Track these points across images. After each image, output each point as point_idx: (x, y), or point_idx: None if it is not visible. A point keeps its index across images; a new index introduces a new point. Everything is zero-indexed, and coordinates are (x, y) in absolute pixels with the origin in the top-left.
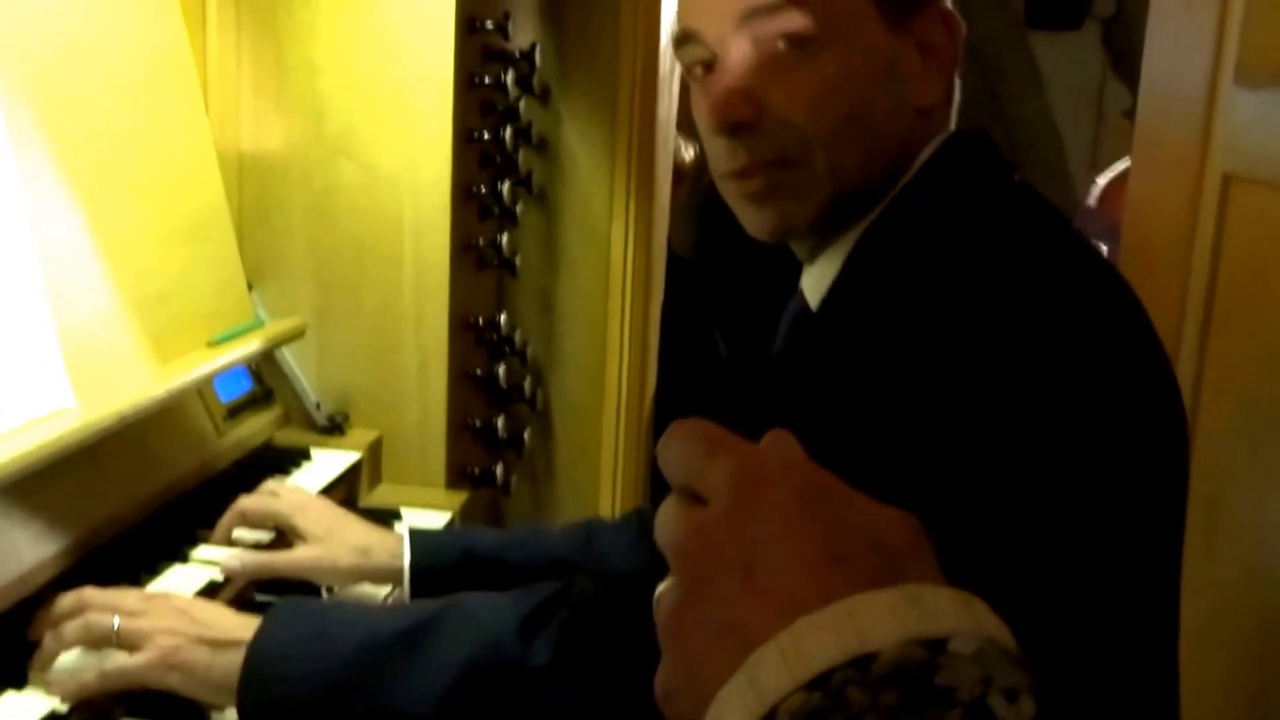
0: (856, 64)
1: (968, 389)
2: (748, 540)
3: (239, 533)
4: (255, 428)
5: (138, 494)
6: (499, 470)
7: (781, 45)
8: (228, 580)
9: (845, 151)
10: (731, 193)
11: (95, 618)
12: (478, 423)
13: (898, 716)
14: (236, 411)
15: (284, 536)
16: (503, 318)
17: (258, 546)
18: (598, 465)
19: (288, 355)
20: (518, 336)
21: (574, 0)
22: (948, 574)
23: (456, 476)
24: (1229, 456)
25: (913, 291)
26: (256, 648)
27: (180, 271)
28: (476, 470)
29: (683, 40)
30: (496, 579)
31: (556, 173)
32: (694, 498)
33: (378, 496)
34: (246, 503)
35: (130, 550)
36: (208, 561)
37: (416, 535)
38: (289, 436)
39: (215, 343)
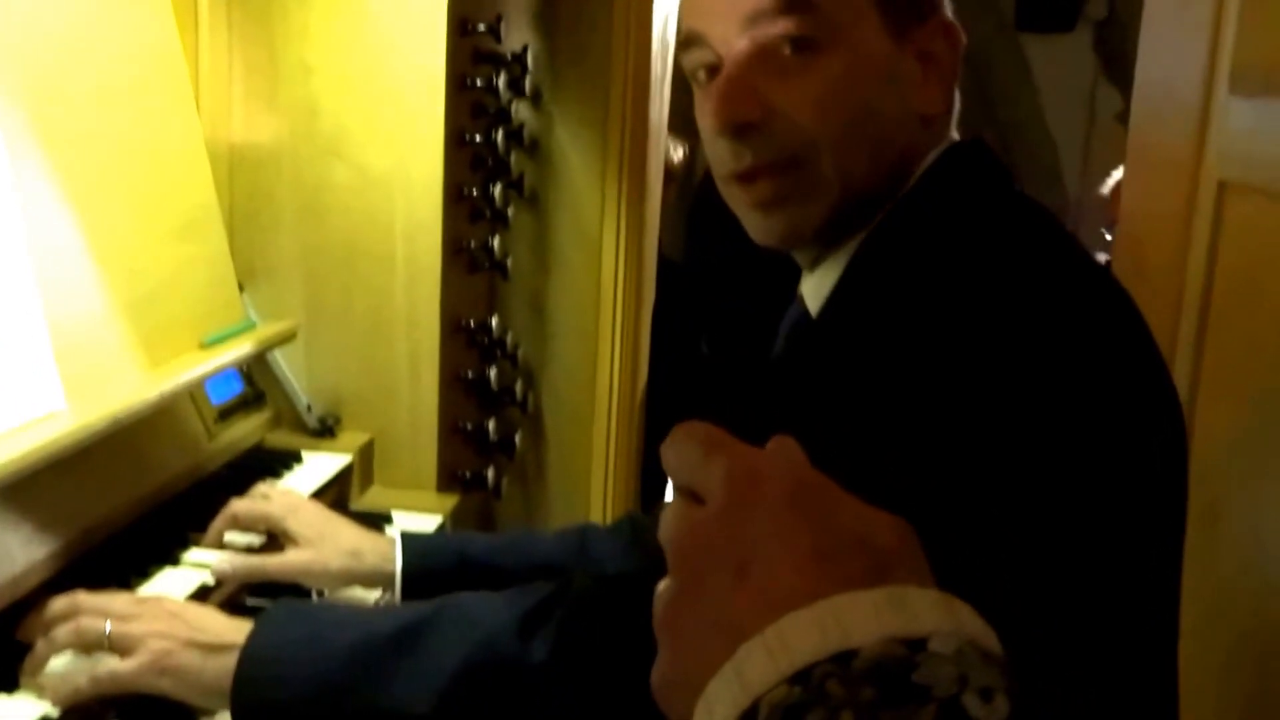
0: (860, 69)
1: (966, 397)
2: (741, 538)
3: (230, 536)
4: (246, 429)
5: (129, 496)
6: (490, 473)
7: (786, 49)
8: (219, 583)
9: (852, 154)
10: (737, 198)
11: (87, 622)
12: (469, 425)
13: (874, 711)
14: (228, 413)
15: (275, 539)
16: (494, 320)
17: (249, 550)
18: (589, 468)
19: (279, 357)
20: (509, 339)
21: (566, 3)
22: (946, 579)
23: (447, 479)
24: (1224, 464)
25: (912, 300)
26: (249, 651)
27: (172, 272)
28: (467, 473)
29: (687, 44)
30: (489, 583)
31: (548, 175)
32: (694, 498)
33: (368, 499)
34: (238, 506)
35: (121, 553)
36: (199, 564)
37: (409, 538)
38: (280, 438)
39: (207, 344)
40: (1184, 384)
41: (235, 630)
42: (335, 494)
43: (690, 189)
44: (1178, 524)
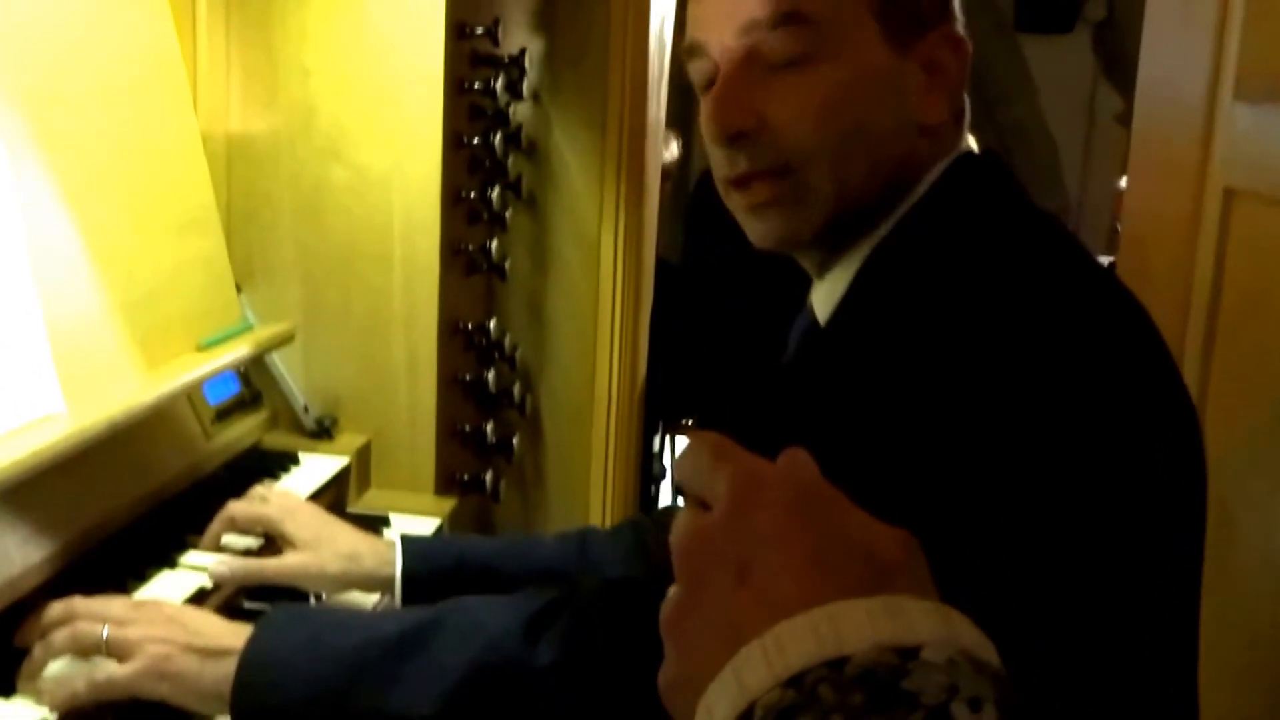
0: (856, 79)
1: (972, 408)
2: (743, 543)
3: (228, 538)
4: (243, 430)
5: (126, 498)
6: (488, 476)
7: (781, 59)
8: (216, 586)
9: (846, 163)
10: (735, 202)
11: (84, 626)
12: (467, 428)
13: (863, 716)
14: (225, 414)
15: (273, 542)
16: (492, 322)
17: (247, 552)
18: (587, 471)
19: (276, 358)
20: (507, 341)
21: (564, 5)
22: (950, 590)
23: (445, 482)
24: (1234, 468)
25: (919, 311)
26: (249, 656)
27: (170, 273)
28: (465, 476)
29: (690, 53)
30: (489, 588)
31: (546, 177)
32: (704, 505)
33: (366, 502)
34: (236, 508)
35: (119, 555)
36: (196, 567)
37: (409, 541)
38: (277, 440)
39: (205, 346)
40: (1192, 389)
41: (234, 635)
42: (333, 496)
43: (685, 189)
44: (1192, 531)
